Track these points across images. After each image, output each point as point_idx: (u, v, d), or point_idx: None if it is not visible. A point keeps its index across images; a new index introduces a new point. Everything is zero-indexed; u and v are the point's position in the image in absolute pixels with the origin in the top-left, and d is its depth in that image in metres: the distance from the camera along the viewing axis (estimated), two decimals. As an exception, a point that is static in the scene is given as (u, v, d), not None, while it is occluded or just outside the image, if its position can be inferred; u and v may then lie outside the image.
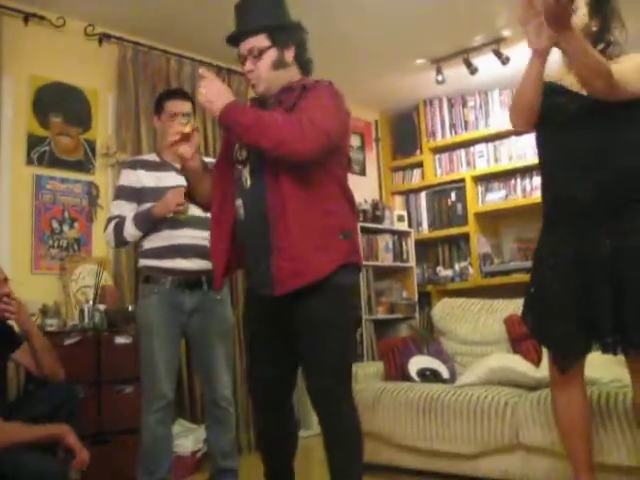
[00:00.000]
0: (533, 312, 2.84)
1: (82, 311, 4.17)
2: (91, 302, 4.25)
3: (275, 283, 2.49)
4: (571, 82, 2.73)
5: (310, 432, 5.08)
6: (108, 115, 4.81)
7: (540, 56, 2.65)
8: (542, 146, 2.92)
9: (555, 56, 2.74)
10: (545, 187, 2.88)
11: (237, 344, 4.91)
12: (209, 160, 3.09)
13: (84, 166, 4.64)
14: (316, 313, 2.51)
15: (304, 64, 2.69)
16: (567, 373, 2.75)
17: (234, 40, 2.62)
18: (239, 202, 2.63)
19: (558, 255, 2.74)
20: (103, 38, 4.78)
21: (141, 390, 3.44)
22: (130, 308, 4.26)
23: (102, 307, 4.20)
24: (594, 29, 2.76)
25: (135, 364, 3.56)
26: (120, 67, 4.82)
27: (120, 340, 4.05)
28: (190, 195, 2.85)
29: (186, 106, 3.61)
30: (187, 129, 2.60)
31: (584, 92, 2.67)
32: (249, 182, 2.60)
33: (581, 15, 2.74)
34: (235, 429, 3.64)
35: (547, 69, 2.73)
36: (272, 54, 2.58)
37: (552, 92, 2.78)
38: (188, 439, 4.36)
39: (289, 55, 2.62)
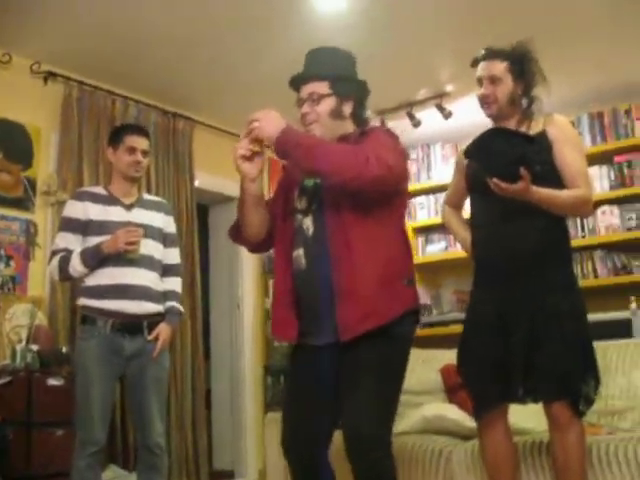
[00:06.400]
0: (462, 362, 3.01)
1: (14, 351, 4.06)
2: (24, 342, 4.15)
3: (341, 329, 2.43)
4: None
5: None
6: (50, 153, 4.75)
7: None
8: (471, 209, 3.08)
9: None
10: (473, 247, 3.05)
11: (172, 391, 4.84)
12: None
13: (23, 204, 4.58)
14: (372, 357, 2.45)
15: (360, 121, 2.67)
16: (486, 419, 2.90)
17: (296, 82, 2.63)
18: (300, 251, 2.56)
19: (481, 311, 2.92)
20: (49, 76, 4.75)
21: (75, 433, 3.35)
22: (64, 349, 4.16)
23: (35, 347, 4.09)
24: (520, 92, 2.92)
25: (67, 406, 3.48)
26: (65, 106, 4.79)
27: (52, 382, 3.93)
28: (237, 227, 2.72)
29: (145, 143, 3.58)
30: (257, 148, 2.49)
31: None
32: (311, 230, 2.56)
33: (507, 83, 2.90)
34: (167, 476, 3.58)
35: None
36: (330, 102, 2.57)
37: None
38: (118, 485, 4.26)
39: (347, 108, 2.61)
